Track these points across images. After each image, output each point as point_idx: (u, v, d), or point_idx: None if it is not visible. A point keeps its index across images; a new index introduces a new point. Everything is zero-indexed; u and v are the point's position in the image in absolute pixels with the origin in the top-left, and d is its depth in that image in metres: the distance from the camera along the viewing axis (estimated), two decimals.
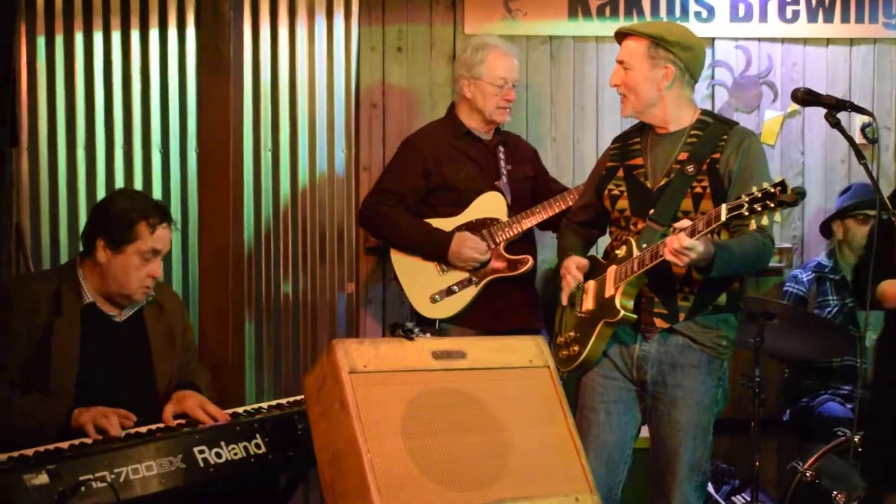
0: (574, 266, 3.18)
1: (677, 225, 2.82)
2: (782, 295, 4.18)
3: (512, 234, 3.79)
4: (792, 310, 3.90)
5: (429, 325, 3.73)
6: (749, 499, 3.73)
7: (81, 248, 3.01)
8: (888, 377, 3.28)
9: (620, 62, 3.13)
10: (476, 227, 3.74)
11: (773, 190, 2.62)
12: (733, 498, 4.05)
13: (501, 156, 3.85)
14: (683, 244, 2.71)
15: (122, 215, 3.00)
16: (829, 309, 3.96)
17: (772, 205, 2.63)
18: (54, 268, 3.82)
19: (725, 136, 3.04)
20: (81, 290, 3.00)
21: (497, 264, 3.73)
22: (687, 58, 3.05)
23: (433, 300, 3.72)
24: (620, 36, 3.14)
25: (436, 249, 3.72)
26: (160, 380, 3.03)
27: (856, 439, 3.46)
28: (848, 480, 3.53)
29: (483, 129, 3.85)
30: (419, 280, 3.79)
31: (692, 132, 3.08)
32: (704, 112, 3.15)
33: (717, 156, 3.01)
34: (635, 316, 3.01)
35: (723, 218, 2.70)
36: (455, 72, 4.03)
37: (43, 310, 2.94)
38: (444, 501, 2.37)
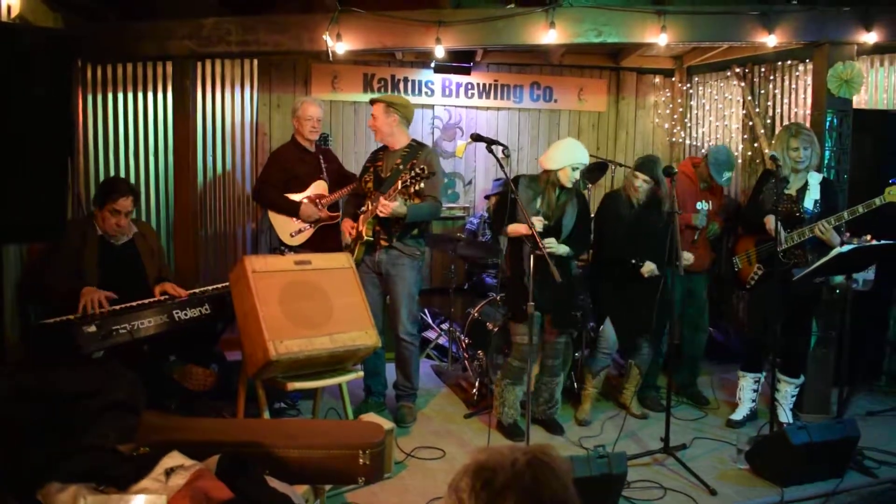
0: (348, 223, 4.02)
1: (382, 197, 3.68)
2: (465, 230, 5.68)
3: (329, 201, 4.60)
4: (470, 236, 5.44)
5: (290, 249, 4.37)
6: (448, 327, 5.07)
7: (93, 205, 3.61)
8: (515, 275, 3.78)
9: (373, 114, 4.01)
10: (312, 199, 4.50)
11: (421, 171, 3.54)
12: (441, 325, 5.53)
13: (322, 160, 4.64)
14: (386, 204, 3.64)
15: (105, 189, 3.59)
16: (486, 237, 5.33)
17: (423, 176, 3.53)
18: (84, 216, 4.32)
19: (421, 152, 3.92)
20: (96, 228, 3.54)
21: (322, 216, 4.45)
22: (405, 112, 3.97)
23: (291, 236, 4.50)
24: (373, 101, 4.04)
25: (292, 210, 4.45)
26: (149, 276, 3.69)
27: (497, 298, 4.60)
28: (494, 316, 4.59)
29: (308, 144, 4.55)
30: (283, 226, 4.53)
31: (405, 149, 3.97)
32: (412, 139, 4.01)
33: (416, 160, 3.85)
34: (373, 239, 3.90)
35: (399, 188, 3.60)
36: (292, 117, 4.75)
37: (78, 238, 3.51)
38: (301, 335, 2.98)
